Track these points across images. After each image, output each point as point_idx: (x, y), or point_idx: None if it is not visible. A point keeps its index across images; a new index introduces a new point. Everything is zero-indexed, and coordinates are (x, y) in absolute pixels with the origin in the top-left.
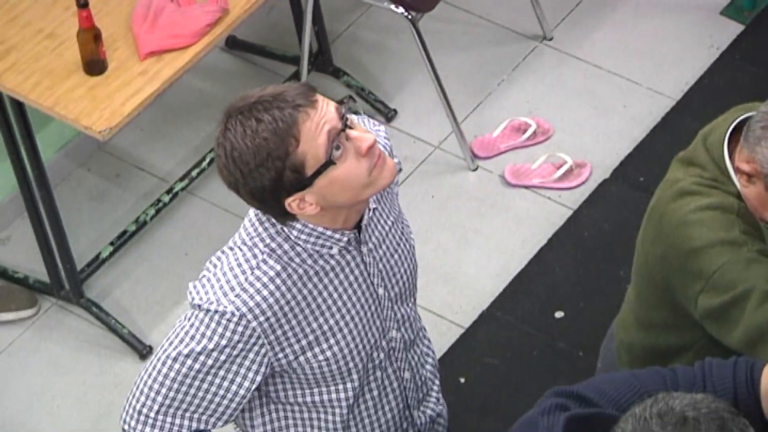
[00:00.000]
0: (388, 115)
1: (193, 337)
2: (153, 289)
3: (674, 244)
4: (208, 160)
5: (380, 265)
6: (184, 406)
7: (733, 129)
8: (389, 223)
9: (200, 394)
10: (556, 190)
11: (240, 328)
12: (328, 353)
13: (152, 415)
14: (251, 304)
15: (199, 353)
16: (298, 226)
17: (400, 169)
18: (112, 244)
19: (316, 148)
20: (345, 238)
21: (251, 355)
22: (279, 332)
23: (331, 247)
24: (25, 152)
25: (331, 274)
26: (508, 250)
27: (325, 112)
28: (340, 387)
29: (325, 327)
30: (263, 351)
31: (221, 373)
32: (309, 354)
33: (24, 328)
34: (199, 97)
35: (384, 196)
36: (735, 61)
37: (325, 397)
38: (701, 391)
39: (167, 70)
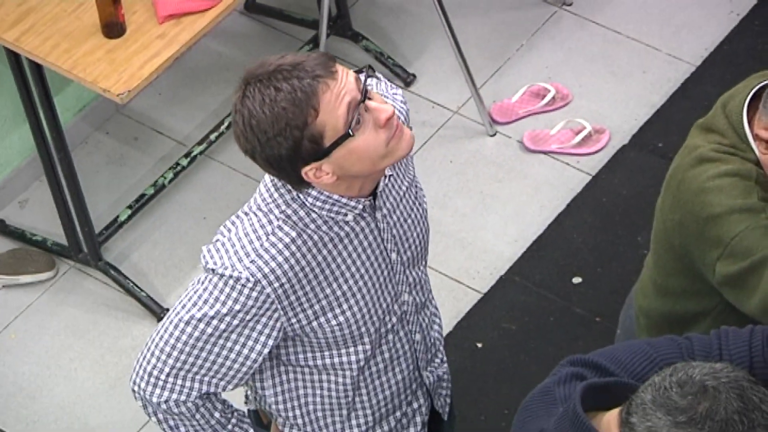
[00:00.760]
0: (407, 79)
1: (206, 301)
2: (171, 252)
3: (692, 210)
4: (226, 123)
5: (394, 231)
6: (195, 369)
7: (753, 96)
8: (403, 188)
9: (212, 357)
10: (574, 156)
11: (254, 294)
12: (341, 318)
13: (162, 377)
14: (266, 270)
15: (212, 317)
16: (314, 193)
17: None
18: (130, 207)
19: (336, 119)
20: (360, 206)
21: (264, 320)
22: (293, 298)
23: (346, 214)
24: (44, 115)
25: (346, 241)
26: (526, 215)
27: (345, 83)
28: (351, 350)
29: (339, 293)
30: (276, 316)
31: (233, 337)
32: (322, 319)
33: (42, 290)
34: (218, 61)
35: (399, 162)
36: (755, 27)
37: (336, 360)
38: (717, 360)
39: (186, 34)
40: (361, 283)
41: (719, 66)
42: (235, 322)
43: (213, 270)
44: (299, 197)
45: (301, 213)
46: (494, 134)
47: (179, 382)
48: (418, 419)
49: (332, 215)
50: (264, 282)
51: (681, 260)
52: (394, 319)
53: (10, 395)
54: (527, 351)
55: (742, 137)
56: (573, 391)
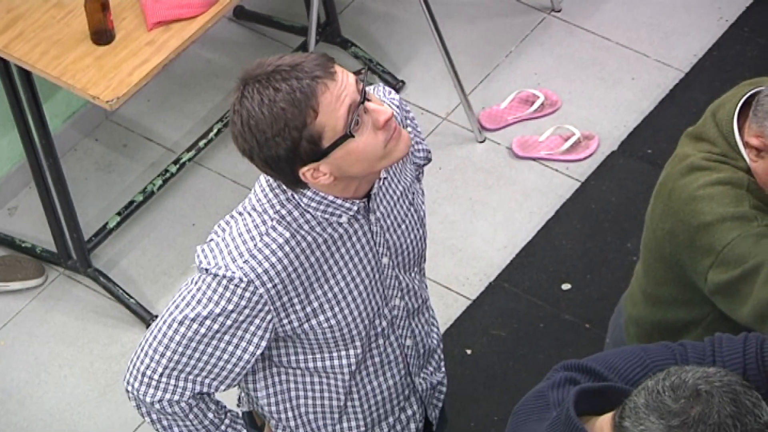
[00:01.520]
0: (395, 86)
1: (199, 301)
2: (160, 259)
3: (684, 219)
4: (215, 130)
5: (386, 235)
6: (188, 369)
7: (743, 104)
8: (398, 192)
9: (204, 357)
10: (563, 162)
11: (247, 294)
12: (332, 321)
13: (155, 377)
14: (259, 270)
15: (206, 317)
16: (309, 193)
17: (429, 159)
18: (119, 214)
19: (336, 120)
20: (355, 207)
21: (257, 321)
22: (285, 299)
23: (340, 216)
24: (33, 122)
25: (339, 243)
26: (516, 222)
27: (345, 84)
28: (343, 353)
29: (330, 295)
30: (269, 317)
31: (226, 338)
32: (313, 321)
33: (31, 297)
34: (207, 68)
35: (395, 164)
36: (744, 33)
37: (328, 363)
38: (711, 366)
39: (175, 41)
40: (352, 285)
41: (708, 72)
42: (228, 322)
43: (207, 270)
44: (294, 198)
45: (296, 214)
46: (483, 141)
47: (172, 382)
48: (413, 426)
49: (326, 216)
50: (257, 282)
51: (672, 269)
52: (384, 323)
53: None
54: (516, 357)
55: (732, 145)
56: (566, 395)
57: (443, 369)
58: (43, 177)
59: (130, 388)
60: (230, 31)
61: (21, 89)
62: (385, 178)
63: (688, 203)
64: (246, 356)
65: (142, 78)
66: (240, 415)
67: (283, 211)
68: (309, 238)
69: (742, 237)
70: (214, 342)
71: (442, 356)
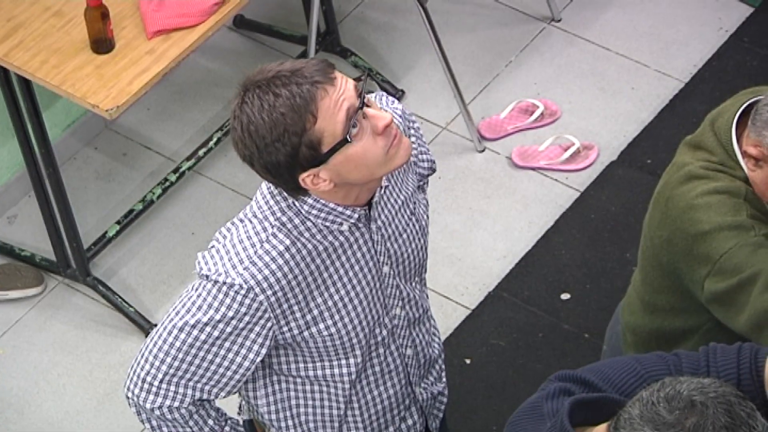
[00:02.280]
0: (395, 95)
1: (200, 308)
2: (159, 268)
3: (681, 227)
4: (215, 139)
5: (388, 244)
6: (188, 375)
7: (741, 113)
8: (399, 201)
9: (204, 364)
10: (563, 172)
11: (247, 301)
12: (333, 329)
13: (156, 383)
14: (260, 277)
15: (206, 324)
16: (310, 201)
17: (434, 170)
18: (118, 222)
19: (334, 125)
20: (356, 215)
21: (257, 329)
22: (285, 306)
23: (341, 224)
24: (32, 131)
25: (339, 251)
26: (515, 231)
27: (344, 89)
28: (343, 362)
29: (330, 303)
30: (269, 325)
31: (226, 344)
32: (313, 329)
33: (30, 306)
34: (207, 77)
35: (396, 173)
36: (743, 43)
37: (328, 371)
38: (705, 376)
39: (174, 50)
40: (352, 293)
41: (708, 82)
42: (228, 329)
43: (207, 276)
44: (295, 205)
45: (297, 221)
46: (483, 150)
47: (172, 388)
48: None
49: (327, 224)
50: (257, 289)
51: (669, 277)
52: (384, 333)
53: None
54: (516, 367)
55: (730, 154)
56: (561, 406)
57: (444, 379)
58: (42, 186)
59: (130, 395)
60: (230, 40)
61: (21, 98)
62: (386, 187)
63: (685, 212)
64: (246, 363)
65: (141, 87)
66: (241, 423)
67: (284, 218)
68: (309, 246)
69: (739, 246)
70: (214, 349)
71: (443, 366)
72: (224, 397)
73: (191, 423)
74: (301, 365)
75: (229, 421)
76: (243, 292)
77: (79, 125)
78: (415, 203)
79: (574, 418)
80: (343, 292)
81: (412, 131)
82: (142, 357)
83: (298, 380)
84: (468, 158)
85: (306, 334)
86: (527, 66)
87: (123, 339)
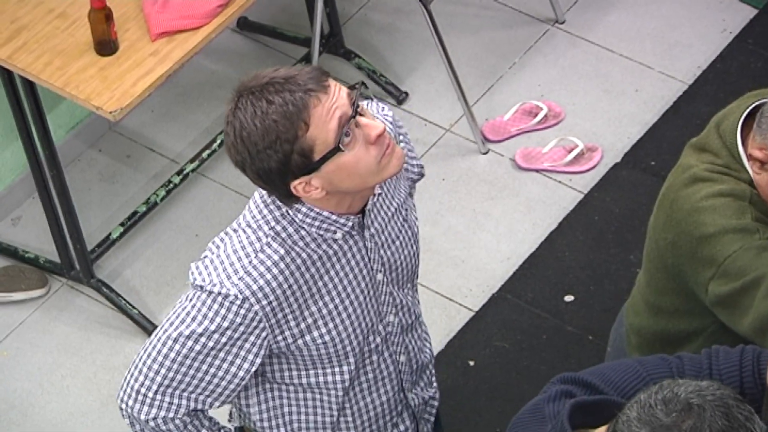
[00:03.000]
0: (399, 97)
1: (194, 318)
2: (163, 270)
3: (686, 230)
4: (218, 141)
5: (381, 251)
6: (182, 386)
7: (747, 116)
8: (392, 208)
9: (199, 375)
10: (566, 174)
11: (242, 311)
12: (327, 337)
13: (150, 394)
14: (254, 287)
15: (200, 334)
16: (304, 209)
17: (422, 175)
18: (122, 224)
19: (326, 133)
20: (350, 223)
21: (252, 338)
22: (280, 315)
23: (335, 232)
24: (36, 132)
25: (333, 259)
26: (519, 233)
27: (336, 97)
28: (336, 370)
29: (324, 311)
30: (264, 334)
31: (221, 355)
32: (308, 337)
33: (34, 307)
34: (210, 78)
35: (389, 180)
36: (748, 45)
37: (321, 379)
38: (707, 379)
39: (178, 51)
40: (347, 302)
41: (712, 84)
42: (224, 339)
43: (201, 287)
44: (289, 214)
45: (290, 230)
46: (486, 152)
47: (167, 399)
48: None
49: (321, 233)
50: (252, 299)
51: (674, 279)
52: (378, 340)
53: (2, 413)
54: (519, 369)
55: (735, 157)
56: (562, 408)
57: (435, 384)
58: (46, 187)
59: (124, 406)
60: (234, 42)
61: (25, 100)
62: (379, 194)
63: (690, 214)
64: (241, 373)
65: (145, 89)
66: (232, 430)
67: (278, 228)
68: (304, 255)
69: (743, 249)
70: (209, 359)
71: (433, 371)
72: (218, 406)
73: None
74: (294, 373)
75: (222, 430)
76: (238, 302)
77: (83, 127)
78: (407, 209)
79: (574, 420)
80: (337, 300)
81: (401, 137)
82: (135, 368)
83: (291, 388)
84: (472, 160)
85: (300, 342)
86: (531, 68)
87: (127, 341)
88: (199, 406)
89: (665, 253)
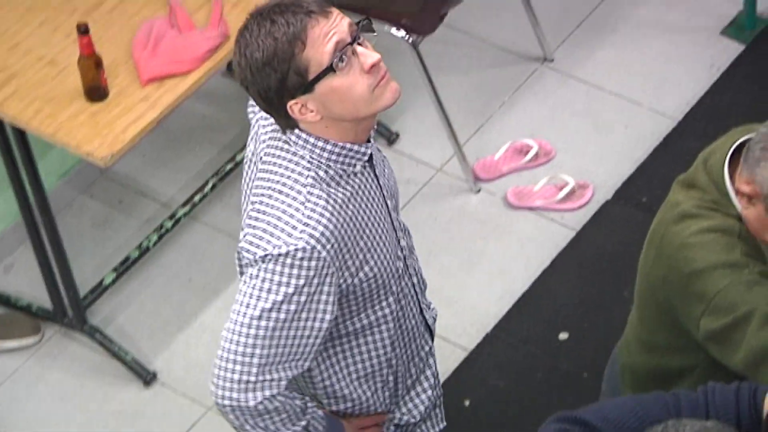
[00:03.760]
0: (390, 138)
1: (269, 290)
2: (157, 315)
3: (676, 266)
4: (210, 185)
5: (383, 179)
6: (278, 358)
7: (734, 151)
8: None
9: (290, 341)
10: (558, 212)
11: (313, 263)
12: (375, 269)
13: (252, 379)
14: (317, 234)
15: (282, 302)
16: (328, 146)
17: None
18: (115, 270)
19: (321, 54)
20: (368, 151)
21: (326, 288)
22: (340, 256)
23: (355, 165)
24: (28, 180)
25: (358, 195)
26: (512, 272)
27: (337, 24)
28: (384, 304)
29: (366, 245)
30: (333, 280)
31: (304, 314)
32: (361, 274)
33: (27, 356)
34: (201, 123)
35: None
36: (736, 81)
37: (373, 317)
38: (704, 416)
39: (168, 96)
40: (379, 232)
41: (701, 120)
42: (303, 298)
43: (265, 256)
44: (314, 158)
45: (321, 173)
46: (478, 191)
47: (268, 377)
48: (431, 361)
49: (345, 167)
50: (318, 246)
51: (666, 315)
52: (400, 264)
53: None
54: (515, 408)
55: (723, 192)
56: None
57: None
58: (38, 234)
59: (227, 402)
60: (225, 86)
61: (15, 148)
62: None
63: (680, 250)
64: (324, 325)
65: (136, 134)
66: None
67: (312, 174)
68: (340, 194)
69: (733, 284)
70: (295, 323)
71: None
72: (307, 366)
73: (288, 404)
74: (348, 321)
75: (303, 396)
76: (308, 254)
77: (75, 173)
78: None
79: None
80: (374, 231)
81: None
82: (227, 361)
83: (345, 339)
84: (463, 199)
85: (356, 280)
86: (521, 106)
87: (121, 387)
88: (297, 371)
89: (656, 289)
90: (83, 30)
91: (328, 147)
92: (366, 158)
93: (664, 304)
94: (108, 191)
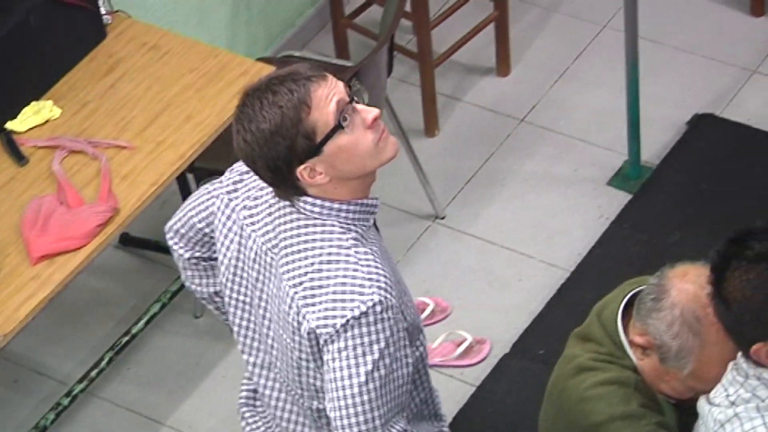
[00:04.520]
0: None
1: (365, 353)
2: None
3: (576, 420)
4: (107, 359)
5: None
6: (392, 412)
7: (626, 303)
8: None
9: (395, 393)
10: (457, 368)
11: (390, 312)
12: (411, 310)
13: (379, 430)
14: (383, 285)
15: (379, 359)
16: (351, 207)
17: None
18: None
19: (327, 115)
20: (378, 203)
21: (401, 333)
22: (400, 301)
23: (368, 219)
24: None
25: (377, 245)
26: None
27: (334, 85)
28: (418, 343)
29: (401, 289)
30: (403, 325)
31: (395, 364)
32: (406, 316)
33: None
34: (95, 297)
35: None
36: (624, 230)
37: (417, 353)
38: None
39: (59, 274)
40: (400, 277)
41: (593, 270)
42: (392, 349)
43: (346, 323)
44: (339, 220)
45: (353, 233)
46: None
47: (391, 425)
48: None
49: (363, 222)
50: (389, 296)
51: None
52: None
53: None
54: None
55: (618, 345)
56: None
57: None
58: None
59: None
60: (117, 259)
61: None
62: None
63: (578, 404)
64: (410, 369)
65: (28, 314)
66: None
67: (349, 236)
68: (374, 248)
69: None
70: (394, 373)
71: None
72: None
73: None
74: None
75: None
76: (384, 306)
77: None
78: None
79: None
80: (398, 276)
81: None
82: (351, 427)
83: None
84: None
85: (406, 324)
86: (415, 264)
87: None
88: (405, 420)
89: None
90: None
91: (351, 207)
92: (377, 210)
93: None
94: (3, 371)
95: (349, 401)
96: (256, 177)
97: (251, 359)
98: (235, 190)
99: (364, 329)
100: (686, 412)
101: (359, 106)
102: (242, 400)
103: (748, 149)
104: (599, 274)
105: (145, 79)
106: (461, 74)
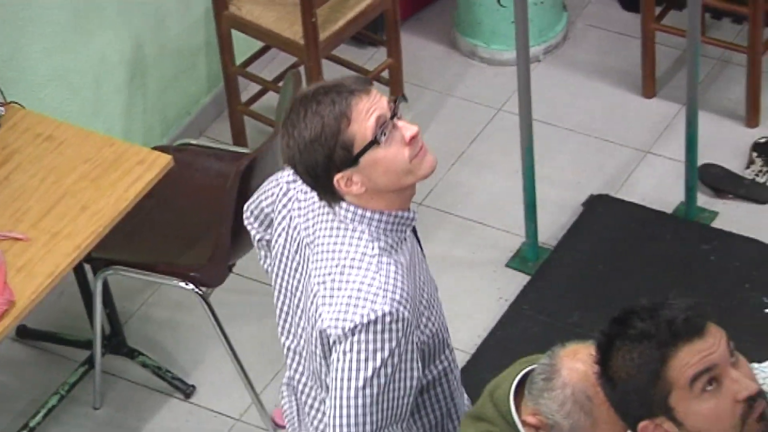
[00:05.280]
0: (186, 391)
1: (367, 359)
2: None
3: None
4: None
5: (418, 247)
6: (386, 421)
7: (519, 382)
8: None
9: (392, 403)
10: None
11: (400, 324)
12: (435, 325)
13: None
14: (398, 297)
15: (380, 367)
16: (384, 217)
17: None
18: None
19: (365, 129)
20: (414, 217)
21: (410, 346)
22: (415, 314)
23: (404, 230)
24: None
25: (412, 258)
26: None
27: (377, 100)
28: (443, 356)
29: (426, 303)
30: (414, 338)
31: (398, 375)
32: (427, 330)
33: None
34: None
35: None
36: (524, 310)
37: (435, 372)
38: None
39: None
40: (429, 291)
41: (493, 351)
42: (396, 360)
43: (354, 328)
44: (374, 231)
45: (382, 243)
46: None
47: None
48: None
49: (397, 234)
50: (401, 308)
51: None
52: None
53: None
54: None
55: (511, 424)
56: None
57: None
58: None
59: None
60: (15, 351)
61: None
62: None
63: None
64: (415, 383)
65: None
66: None
67: (376, 244)
68: (401, 260)
69: None
70: (393, 384)
71: None
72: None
73: None
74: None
75: None
76: (394, 317)
77: None
78: None
79: None
80: (426, 290)
81: None
82: (342, 426)
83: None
84: None
85: (424, 337)
86: None
87: None
88: (400, 428)
89: None
90: None
91: (384, 218)
92: (413, 223)
93: None
94: None
95: (344, 402)
96: None
97: (287, 342)
98: (295, 181)
99: (371, 336)
100: None
101: (400, 123)
102: (285, 380)
103: (643, 229)
104: (501, 355)
105: (40, 170)
106: None
